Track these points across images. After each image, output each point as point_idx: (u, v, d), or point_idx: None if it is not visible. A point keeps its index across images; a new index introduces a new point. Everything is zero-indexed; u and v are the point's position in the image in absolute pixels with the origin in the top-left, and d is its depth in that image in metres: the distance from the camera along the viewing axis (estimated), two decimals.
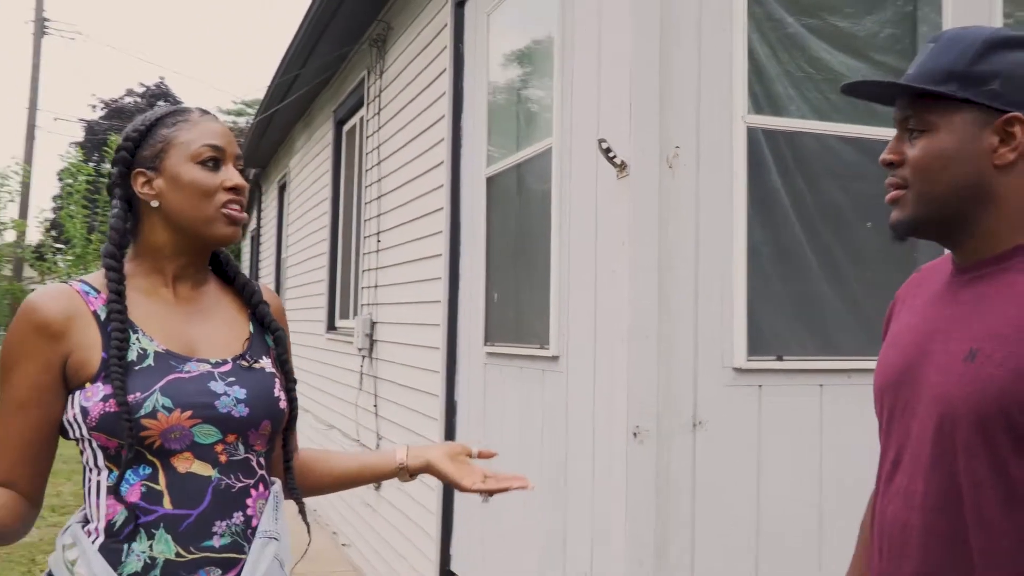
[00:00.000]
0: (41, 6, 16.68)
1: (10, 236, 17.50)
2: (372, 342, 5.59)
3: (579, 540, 2.99)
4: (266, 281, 10.70)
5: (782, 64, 2.97)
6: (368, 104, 5.96)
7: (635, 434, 2.71)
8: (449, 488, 4.23)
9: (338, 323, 6.88)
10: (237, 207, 1.50)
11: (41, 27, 16.57)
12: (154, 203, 1.48)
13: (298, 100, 7.73)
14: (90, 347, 1.39)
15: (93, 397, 1.37)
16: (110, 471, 1.38)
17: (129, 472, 1.37)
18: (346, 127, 6.97)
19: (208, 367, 1.44)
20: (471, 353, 4.09)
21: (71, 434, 1.42)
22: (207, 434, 1.40)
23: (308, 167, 8.22)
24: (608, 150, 2.78)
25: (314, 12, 5.85)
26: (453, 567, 4.19)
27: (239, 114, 25.47)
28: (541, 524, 3.26)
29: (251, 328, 1.56)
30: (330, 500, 6.45)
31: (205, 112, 1.55)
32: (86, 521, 1.40)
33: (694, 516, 2.76)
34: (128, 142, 1.51)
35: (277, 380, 1.51)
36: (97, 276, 1.48)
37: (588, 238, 3.00)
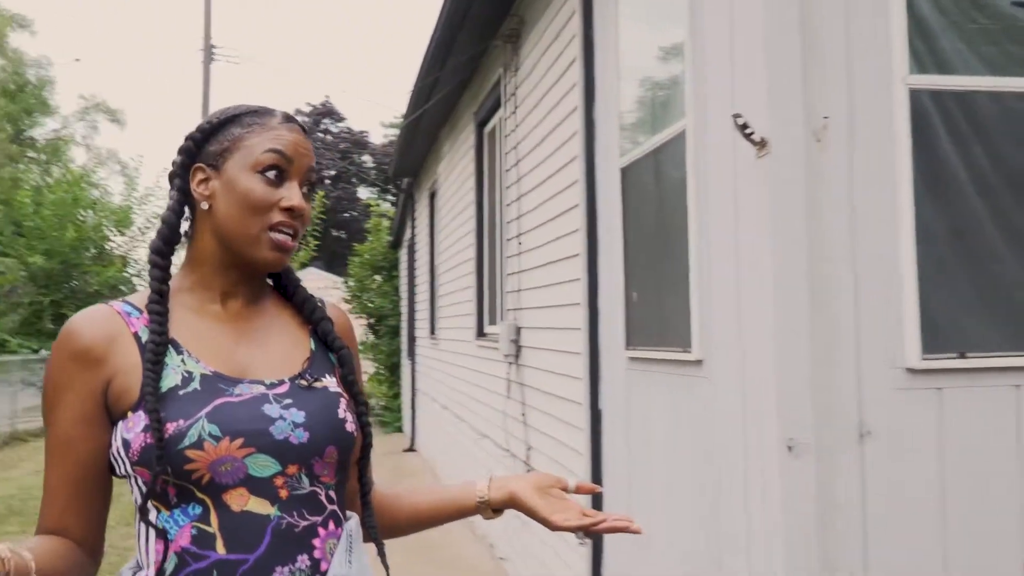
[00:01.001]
0: (209, 34, 17.68)
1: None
2: (518, 348, 5.45)
3: (734, 566, 2.69)
4: (421, 291, 10.81)
5: (947, 15, 2.56)
6: (505, 103, 5.84)
7: (790, 447, 2.39)
8: (597, 500, 4.01)
9: (487, 329, 6.79)
10: (289, 232, 1.34)
11: (209, 55, 17.55)
12: (204, 205, 1.34)
13: (441, 104, 7.72)
14: (130, 371, 1.26)
15: (135, 428, 1.23)
16: (158, 511, 1.24)
17: (178, 512, 1.23)
18: (487, 128, 6.89)
19: (262, 389, 1.28)
20: (613, 358, 3.85)
21: (118, 470, 1.28)
22: (263, 465, 1.24)
23: (454, 172, 8.20)
24: (744, 126, 2.48)
25: (447, 10, 5.78)
26: None
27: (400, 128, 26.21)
28: (693, 546, 2.98)
29: (312, 346, 1.40)
30: None
31: (290, 119, 1.39)
32: (138, 568, 1.27)
33: (865, 543, 2.41)
34: (198, 132, 1.38)
35: (343, 400, 1.34)
36: (141, 296, 1.35)
37: (727, 226, 2.71)
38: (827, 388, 2.42)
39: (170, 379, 1.25)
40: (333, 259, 27.86)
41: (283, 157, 1.34)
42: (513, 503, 1.41)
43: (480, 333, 6.97)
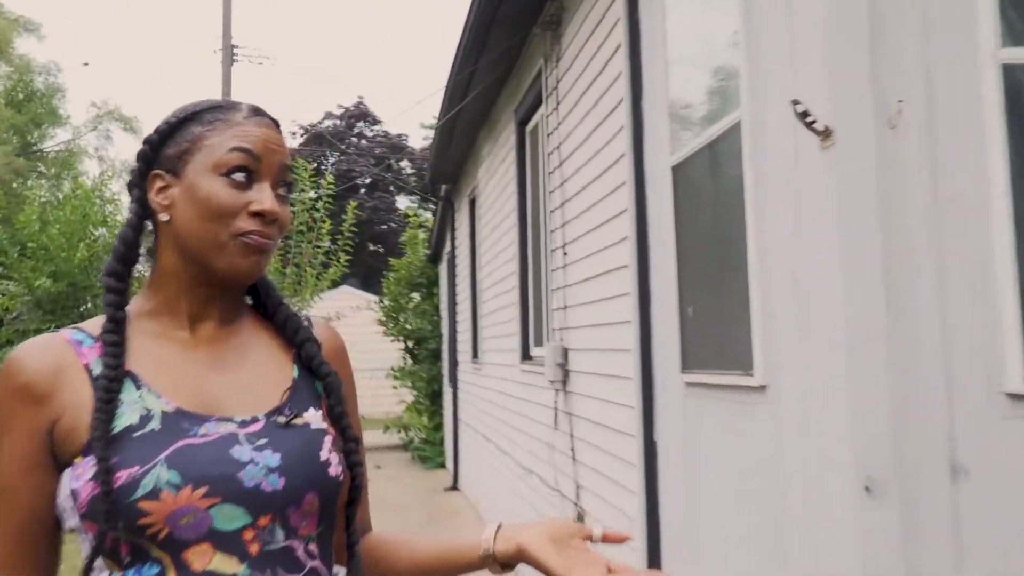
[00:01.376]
0: (229, 33, 17.95)
1: None
2: (565, 373, 5.36)
3: None
4: (462, 310, 10.78)
5: None
6: (547, 98, 5.78)
7: (867, 488, 2.27)
8: (655, 544, 3.90)
9: (532, 351, 6.72)
10: (258, 237, 1.28)
11: (230, 55, 17.82)
12: (163, 216, 1.30)
13: (479, 102, 7.69)
14: (79, 410, 1.21)
15: (83, 475, 1.18)
16: (109, 572, 1.19)
17: (131, 573, 1.17)
18: (528, 127, 6.84)
19: (232, 427, 1.23)
20: (668, 383, 3.75)
21: (64, 524, 1.24)
22: (230, 517, 1.18)
23: (495, 177, 8.17)
24: (805, 114, 2.37)
25: None
26: None
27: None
28: None
29: (295, 374, 1.35)
30: None
31: (258, 111, 1.35)
32: None
33: None
34: (155, 134, 1.34)
35: (327, 438, 1.28)
36: (96, 322, 1.30)
37: (788, 227, 2.61)
38: (911, 417, 2.30)
39: (125, 418, 1.20)
40: (370, 276, 28.03)
41: (250, 156, 1.29)
42: (522, 556, 1.33)
43: (525, 356, 6.90)
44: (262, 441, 1.23)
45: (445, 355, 12.64)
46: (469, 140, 9.16)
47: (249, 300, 1.43)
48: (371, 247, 30.70)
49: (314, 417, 1.30)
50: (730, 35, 3.08)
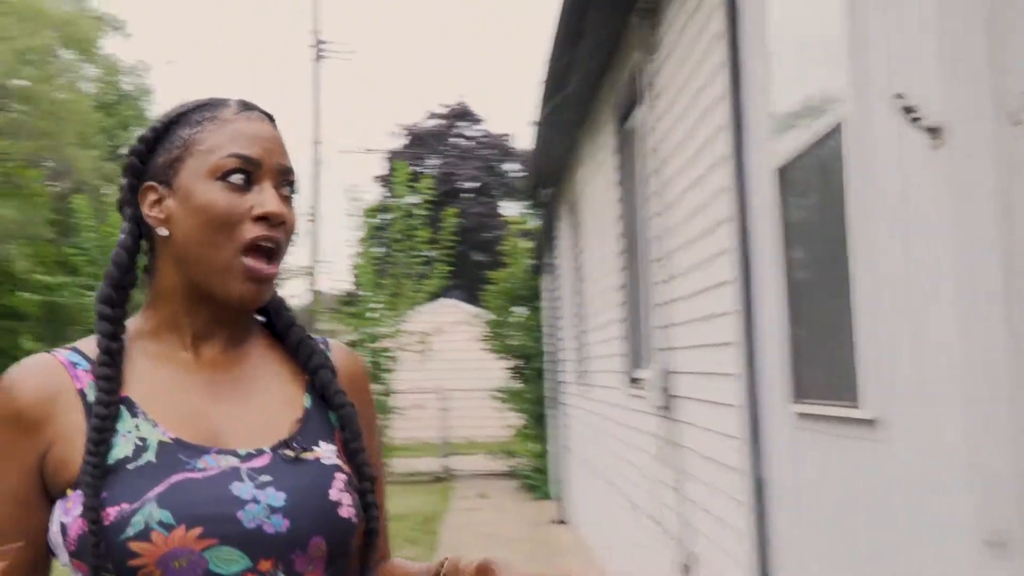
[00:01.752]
0: (319, 27, 18.39)
1: (298, 288, 19.18)
2: (669, 398, 5.27)
3: None
4: (566, 325, 10.72)
5: None
6: (644, 94, 5.71)
7: (992, 543, 2.14)
8: None
9: (636, 373, 6.64)
10: (263, 258, 1.27)
11: (319, 51, 18.23)
12: (162, 231, 1.30)
13: (576, 99, 7.66)
14: (72, 439, 1.22)
15: (73, 510, 1.19)
16: None
17: None
18: (627, 126, 6.77)
19: (234, 461, 1.22)
20: (776, 413, 3.64)
21: (59, 559, 1.25)
22: (228, 560, 1.17)
23: (595, 179, 8.13)
24: (910, 109, 2.26)
25: None
26: None
27: None
28: None
29: (307, 403, 1.33)
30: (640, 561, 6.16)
31: (249, 106, 1.35)
32: None
33: None
34: (141, 143, 1.35)
35: (339, 476, 1.26)
36: (93, 342, 1.31)
37: (896, 237, 2.49)
38: None
39: (118, 449, 1.21)
40: (475, 287, 28.23)
41: (246, 159, 1.28)
42: None
43: (629, 378, 6.82)
44: (266, 477, 1.22)
45: (549, 375, 12.61)
46: (568, 140, 9.13)
47: (262, 318, 1.42)
48: (478, 256, 30.88)
49: (326, 452, 1.28)
50: (833, 16, 2.98)
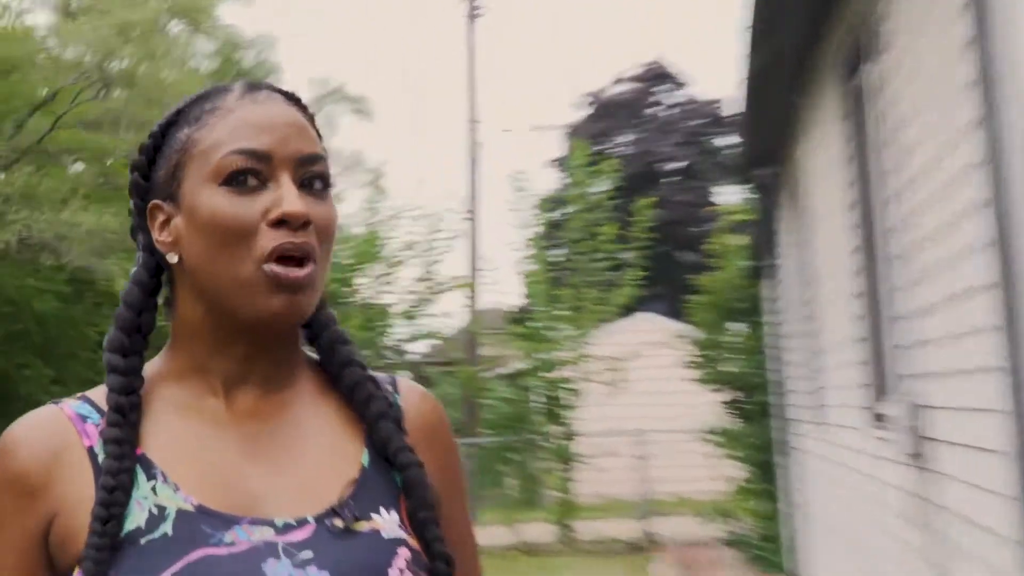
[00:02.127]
0: None
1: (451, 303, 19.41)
2: (920, 440, 5.13)
3: None
4: (794, 346, 10.54)
5: None
6: (871, 45, 5.61)
7: None
8: None
9: (878, 407, 6.50)
10: (291, 262, 1.29)
11: (473, 10, 18.55)
12: (171, 256, 1.35)
13: (790, 47, 7.57)
14: (78, 507, 1.27)
15: None
16: None
17: None
18: (854, 85, 6.66)
19: (269, 533, 1.25)
20: None
21: None
22: None
23: (818, 155, 8.03)
24: None
25: None
26: None
27: None
28: None
29: (365, 461, 1.35)
30: None
31: (253, 87, 1.38)
32: None
33: None
34: (142, 155, 1.41)
35: (401, 552, 1.28)
36: (105, 391, 1.37)
37: None
38: None
39: (131, 518, 1.25)
40: (680, 298, 28.03)
41: (252, 154, 1.30)
42: None
43: (873, 415, 6.68)
44: (307, 554, 1.24)
45: (778, 410, 12.41)
46: (785, 103, 9.01)
47: (314, 353, 1.44)
48: (684, 257, 30.61)
49: (387, 522, 1.30)
50: None
